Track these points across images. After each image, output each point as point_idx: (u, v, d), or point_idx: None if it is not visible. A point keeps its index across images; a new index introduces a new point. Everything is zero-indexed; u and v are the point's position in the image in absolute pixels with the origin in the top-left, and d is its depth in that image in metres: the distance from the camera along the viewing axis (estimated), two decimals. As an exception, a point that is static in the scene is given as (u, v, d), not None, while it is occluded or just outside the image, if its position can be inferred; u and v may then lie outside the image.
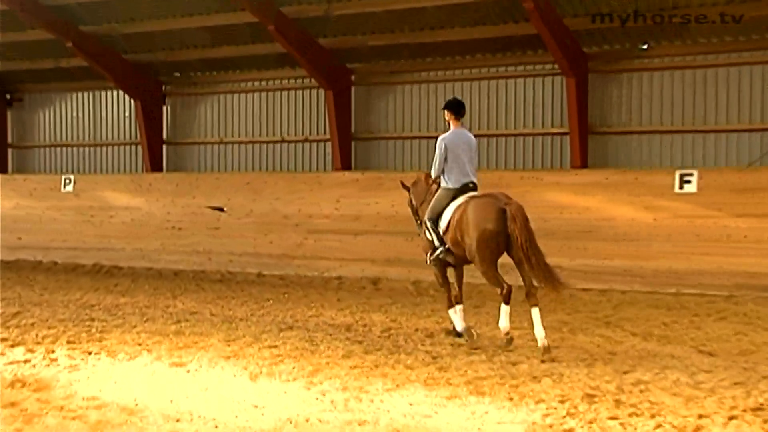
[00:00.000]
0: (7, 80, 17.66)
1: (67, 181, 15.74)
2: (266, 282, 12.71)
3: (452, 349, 7.10)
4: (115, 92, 16.85)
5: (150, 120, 16.04)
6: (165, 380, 5.84)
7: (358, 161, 14.80)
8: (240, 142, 15.91)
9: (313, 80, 14.56)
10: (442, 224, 7.82)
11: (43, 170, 17.87)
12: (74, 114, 17.45)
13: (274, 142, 15.58)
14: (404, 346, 7.29)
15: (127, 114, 16.88)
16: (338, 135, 14.26)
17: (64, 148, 17.68)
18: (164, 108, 16.43)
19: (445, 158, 7.82)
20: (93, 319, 8.57)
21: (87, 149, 17.40)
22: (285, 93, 15.36)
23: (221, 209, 14.11)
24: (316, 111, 15.05)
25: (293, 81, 15.23)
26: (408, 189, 8.95)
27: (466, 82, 13.73)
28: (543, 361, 6.60)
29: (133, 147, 16.89)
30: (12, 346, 7.02)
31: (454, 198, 7.83)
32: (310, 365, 6.33)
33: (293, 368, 6.22)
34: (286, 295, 10.98)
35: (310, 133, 15.17)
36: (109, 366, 6.31)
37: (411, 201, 8.71)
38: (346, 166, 14.46)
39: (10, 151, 18.30)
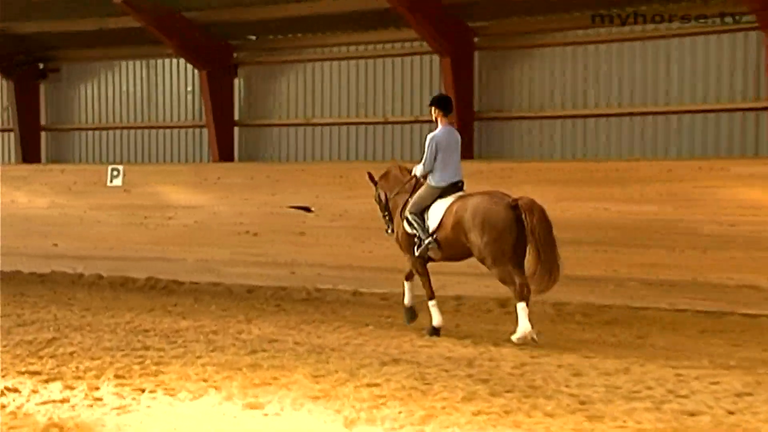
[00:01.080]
0: (40, 46, 18.29)
1: (115, 172, 16.41)
2: (364, 302, 12.84)
3: (606, 392, 6.96)
4: (174, 61, 17.43)
5: (217, 96, 16.50)
6: (237, 426, 5.97)
7: (482, 147, 14.85)
8: (331, 124, 16.17)
9: (425, 44, 14.66)
10: (432, 222, 10.02)
11: (85, 159, 18.69)
12: (123, 88, 18.18)
13: (375, 123, 15.77)
14: (543, 386, 7.20)
15: (189, 89, 17.46)
16: (461, 114, 14.18)
17: (111, 132, 18.41)
18: (235, 81, 16.88)
19: (435, 156, 10.00)
20: (147, 348, 8.88)
21: (139, 133, 18.06)
22: (389, 60, 15.51)
23: (308, 209, 14.31)
24: (428, 83, 15.14)
25: (400, 45, 15.37)
26: (375, 182, 11.02)
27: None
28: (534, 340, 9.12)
29: (197, 130, 17.43)
30: (46, 381, 7.29)
31: (440, 196, 10.03)
32: (420, 409, 6.34)
33: (399, 413, 6.25)
34: (389, 320, 11.06)
35: (420, 112, 15.27)
36: (166, 407, 6.49)
37: (379, 195, 10.91)
38: (468, 153, 14.48)
39: (43, 134, 19.16)
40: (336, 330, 10.24)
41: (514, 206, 9.50)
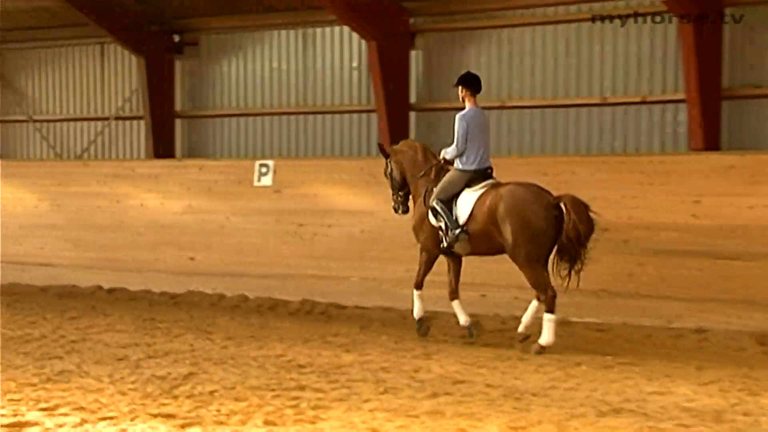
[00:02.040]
0: (173, 12, 18.92)
1: (263, 169, 16.73)
2: (574, 333, 12.64)
3: None
4: (335, 30, 17.74)
5: (390, 72, 16.60)
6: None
7: (732, 134, 14.52)
8: (531, 107, 16.12)
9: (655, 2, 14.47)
10: (462, 212, 11.65)
11: (227, 153, 19.24)
12: (274, 65, 18.60)
13: (589, 105, 15.57)
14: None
15: (355, 64, 17.72)
16: (703, 92, 14.05)
17: (259, 118, 18.91)
18: (412, 53, 17.02)
19: (465, 138, 11.64)
20: (302, 388, 9.00)
21: (293, 119, 18.46)
22: (608, 25, 15.31)
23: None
24: (661, 54, 14.95)
25: (625, 4, 15.14)
26: (387, 155, 12.79)
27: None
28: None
29: (365, 116, 17.71)
30: (183, 426, 7.48)
31: (469, 182, 11.74)
32: (651, 477, 6.19)
33: (623, 481, 6.12)
34: (608, 357, 10.87)
35: (650, 91, 14.94)
36: (326, 461, 6.53)
37: (391, 171, 12.71)
38: (712, 143, 14.12)
39: (178, 122, 19.85)
40: (538, 369, 10.13)
41: (555, 205, 11.09)
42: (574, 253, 10.92)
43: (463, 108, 11.88)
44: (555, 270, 11.09)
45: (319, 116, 18.20)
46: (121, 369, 9.88)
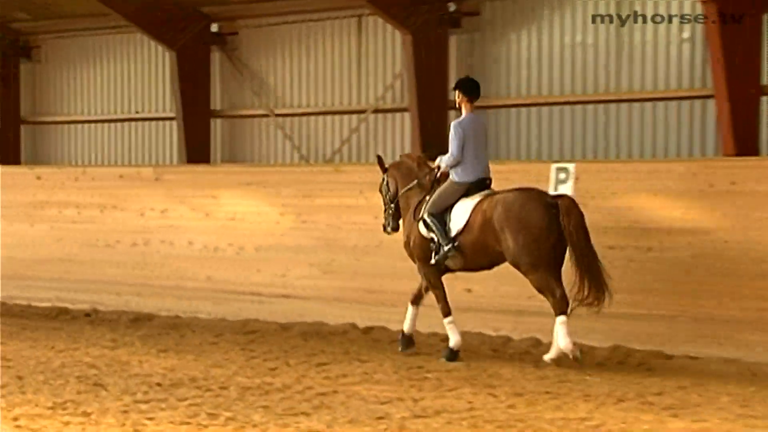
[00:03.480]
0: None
1: (562, 174, 16.52)
2: None
3: None
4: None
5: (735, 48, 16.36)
6: None
7: None
8: None
9: None
10: (455, 224, 13.87)
11: (524, 153, 19.45)
12: (578, 38, 18.63)
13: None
14: None
15: (686, 35, 17.57)
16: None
17: (556, 108, 19.04)
18: None
19: (462, 145, 13.83)
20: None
21: (602, 109, 18.54)
22: None
23: None
24: None
25: None
26: (385, 169, 15.09)
27: None
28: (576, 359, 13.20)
29: (697, 103, 17.63)
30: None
31: (465, 194, 13.92)
32: None
33: None
34: None
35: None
36: None
37: (387, 186, 15.01)
38: None
39: (453, 114, 19.58)
40: None
41: (554, 205, 13.43)
42: (581, 259, 13.36)
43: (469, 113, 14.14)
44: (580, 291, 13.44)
45: (636, 105, 18.08)
46: (381, 431, 9.97)
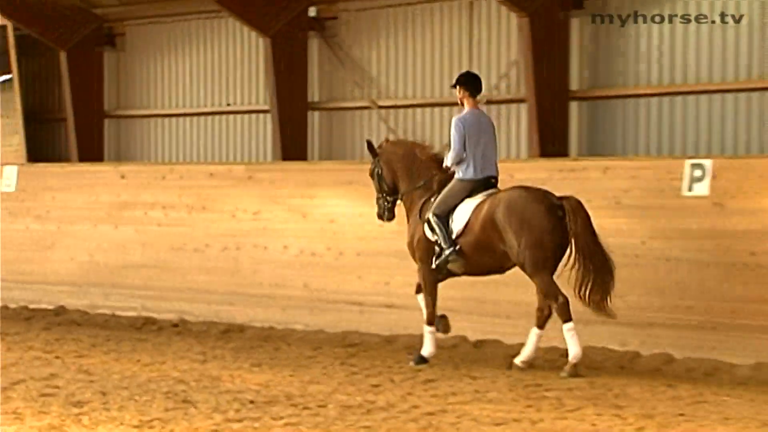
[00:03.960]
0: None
1: (698, 172, 16.25)
2: None
3: None
4: None
5: None
6: None
7: None
8: None
9: None
10: (457, 225, 14.67)
11: (642, 148, 19.27)
12: (716, 17, 18.32)
13: None
14: None
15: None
16: None
17: (679, 98, 18.89)
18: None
19: (464, 142, 14.72)
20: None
21: (744, 98, 18.33)
22: None
23: None
24: None
25: None
26: (375, 153, 15.89)
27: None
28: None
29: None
30: None
31: (470, 193, 14.76)
32: None
33: None
34: None
35: None
36: None
37: (380, 172, 15.73)
38: None
39: (574, 105, 19.85)
40: None
41: (559, 206, 14.32)
42: (588, 260, 14.35)
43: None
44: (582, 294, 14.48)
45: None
46: (494, 456, 9.87)
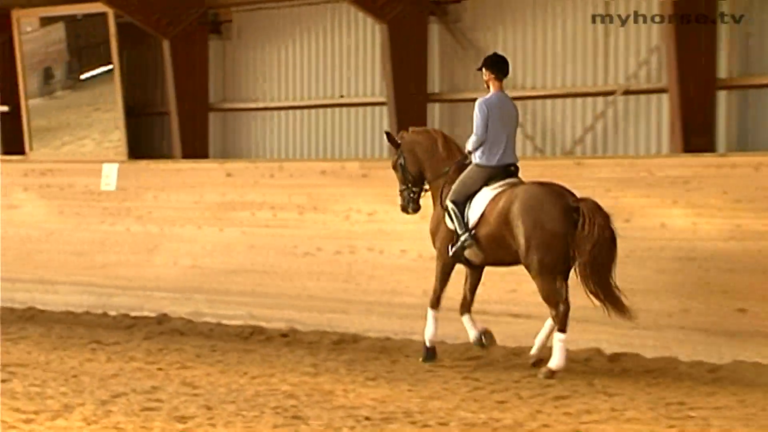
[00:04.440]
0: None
1: None
2: None
3: None
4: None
5: None
6: None
7: None
8: None
9: None
10: (473, 214, 15.42)
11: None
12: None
13: None
14: None
15: None
16: None
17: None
18: None
19: (486, 127, 15.46)
20: None
21: None
22: None
23: None
24: None
25: None
26: (396, 144, 16.72)
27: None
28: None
29: None
30: None
31: (489, 180, 15.48)
32: None
33: None
34: None
35: None
36: None
37: (404, 162, 16.53)
38: None
39: (722, 95, 19.73)
40: None
41: (575, 208, 14.74)
42: (591, 270, 14.79)
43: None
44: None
45: None
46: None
